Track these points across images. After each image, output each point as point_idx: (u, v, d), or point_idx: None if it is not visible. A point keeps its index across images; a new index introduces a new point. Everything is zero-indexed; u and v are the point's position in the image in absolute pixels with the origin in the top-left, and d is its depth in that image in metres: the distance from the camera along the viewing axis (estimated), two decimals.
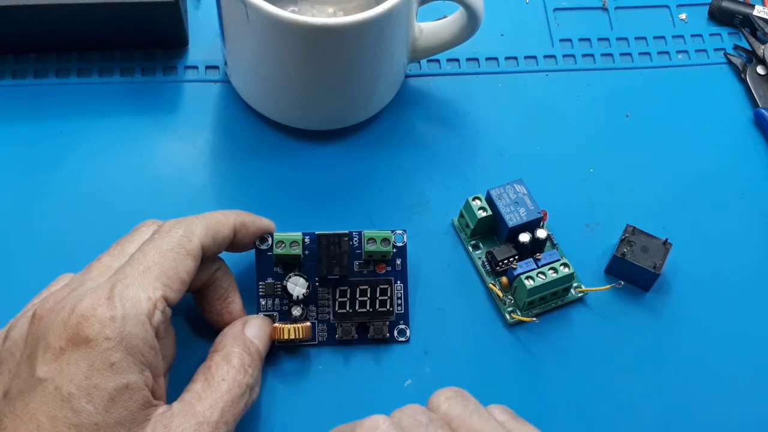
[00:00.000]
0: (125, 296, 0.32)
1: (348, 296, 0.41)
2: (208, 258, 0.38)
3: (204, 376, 0.35)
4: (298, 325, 0.40)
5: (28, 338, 0.32)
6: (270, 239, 0.41)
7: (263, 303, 0.41)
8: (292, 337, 0.40)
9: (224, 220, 0.38)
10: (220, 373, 0.35)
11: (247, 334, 0.38)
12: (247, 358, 0.37)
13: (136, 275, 0.33)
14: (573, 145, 0.50)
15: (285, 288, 0.41)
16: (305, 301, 0.41)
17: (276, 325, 0.40)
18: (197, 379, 0.35)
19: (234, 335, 0.38)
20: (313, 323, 0.42)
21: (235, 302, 0.40)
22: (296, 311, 0.41)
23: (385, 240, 0.41)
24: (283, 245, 0.41)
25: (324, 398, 0.41)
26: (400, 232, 0.42)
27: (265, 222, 0.41)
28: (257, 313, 0.41)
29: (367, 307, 0.41)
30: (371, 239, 0.41)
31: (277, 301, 0.42)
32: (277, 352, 0.42)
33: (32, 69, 0.50)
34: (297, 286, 0.40)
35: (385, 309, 0.41)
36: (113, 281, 0.33)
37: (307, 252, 0.42)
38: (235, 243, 0.39)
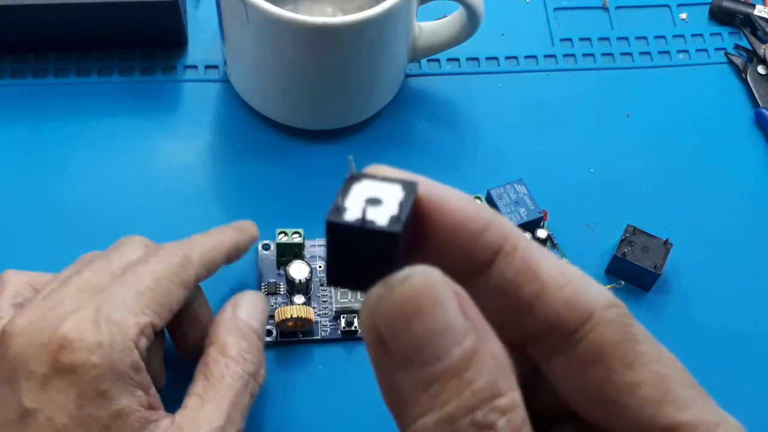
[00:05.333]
0: (112, 320, 0.30)
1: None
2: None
3: (203, 374, 0.34)
4: (300, 306, 0.40)
5: (4, 357, 0.30)
6: (272, 246, 0.42)
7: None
8: (295, 315, 0.40)
9: (219, 247, 0.37)
10: (219, 368, 0.34)
11: (240, 317, 0.36)
12: (243, 345, 0.35)
13: (126, 298, 0.31)
14: (573, 145, 0.50)
15: (287, 274, 0.41)
16: (305, 291, 0.41)
17: (278, 309, 0.40)
18: (197, 378, 0.34)
19: (226, 322, 0.36)
20: (315, 321, 0.42)
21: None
22: (299, 300, 0.41)
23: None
24: (285, 236, 0.42)
25: (325, 395, 0.41)
26: None
27: (252, 234, 0.40)
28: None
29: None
30: None
31: (279, 299, 0.42)
32: (278, 349, 0.42)
33: (31, 69, 0.49)
34: (299, 272, 0.41)
35: None
36: (99, 302, 0.31)
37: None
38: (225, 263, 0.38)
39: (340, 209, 0.18)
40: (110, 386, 0.30)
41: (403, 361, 0.17)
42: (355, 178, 0.19)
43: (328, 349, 0.42)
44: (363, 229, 0.17)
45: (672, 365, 0.20)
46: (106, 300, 0.31)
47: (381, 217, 0.17)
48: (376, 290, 0.17)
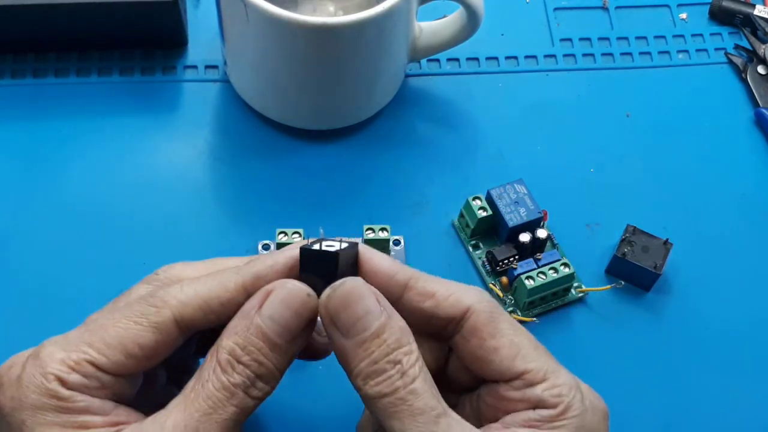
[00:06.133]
0: (38, 356, 0.30)
1: None
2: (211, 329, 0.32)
3: (199, 370, 0.31)
4: None
5: None
6: (272, 246, 0.42)
7: None
8: None
9: (226, 282, 0.31)
10: (207, 371, 0.30)
11: (262, 314, 0.30)
12: (239, 352, 0.30)
13: (70, 335, 0.31)
14: (573, 145, 0.50)
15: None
16: None
17: None
18: (195, 374, 0.31)
19: (243, 315, 0.30)
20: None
21: None
22: None
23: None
24: (285, 236, 0.42)
25: (325, 395, 0.41)
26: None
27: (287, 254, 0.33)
28: None
29: None
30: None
31: None
32: None
33: (31, 68, 0.49)
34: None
35: None
36: (48, 341, 0.31)
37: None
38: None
39: (309, 245, 0.31)
40: (28, 417, 0.30)
41: (345, 331, 0.30)
42: (322, 239, 0.31)
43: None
44: (319, 251, 0.30)
45: (523, 335, 0.31)
46: (52, 340, 0.31)
47: (329, 249, 0.30)
48: (327, 291, 0.30)
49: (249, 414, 0.30)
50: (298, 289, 0.30)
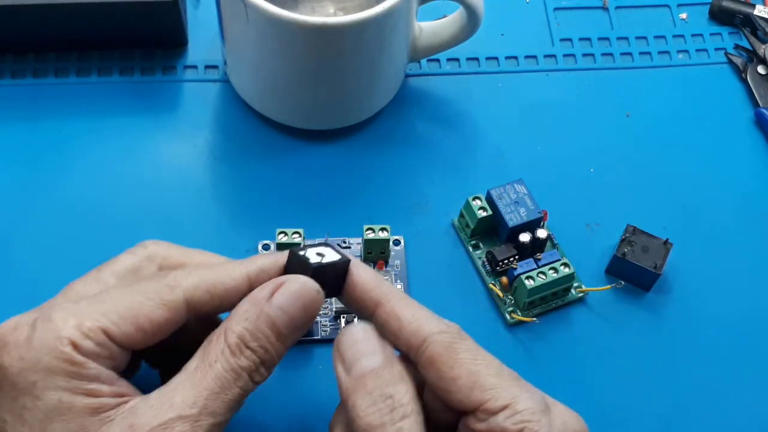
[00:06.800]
0: (50, 320, 0.31)
1: None
2: (207, 315, 0.34)
3: (203, 350, 0.32)
4: None
5: None
6: (272, 246, 0.42)
7: None
8: None
9: (225, 274, 0.33)
10: (215, 352, 0.31)
11: (272, 304, 0.32)
12: (248, 337, 0.31)
13: (82, 303, 0.32)
14: (573, 145, 0.50)
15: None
16: None
17: None
18: (197, 353, 0.32)
19: (253, 302, 0.32)
20: (315, 322, 0.42)
21: None
22: None
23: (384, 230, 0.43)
24: (285, 236, 0.42)
25: (325, 395, 0.41)
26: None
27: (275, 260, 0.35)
28: None
29: None
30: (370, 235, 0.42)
31: None
32: None
33: (31, 68, 0.49)
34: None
35: None
36: (51, 307, 0.32)
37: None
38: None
39: (301, 249, 0.33)
40: (40, 378, 0.30)
41: (348, 367, 0.32)
42: (319, 244, 0.34)
43: (328, 349, 0.42)
44: (302, 258, 0.32)
45: (483, 363, 0.31)
46: (61, 305, 0.32)
47: (312, 259, 0.33)
48: (339, 336, 0.33)
49: (247, 396, 0.32)
50: (310, 284, 0.32)
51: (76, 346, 0.30)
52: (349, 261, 0.33)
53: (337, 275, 0.34)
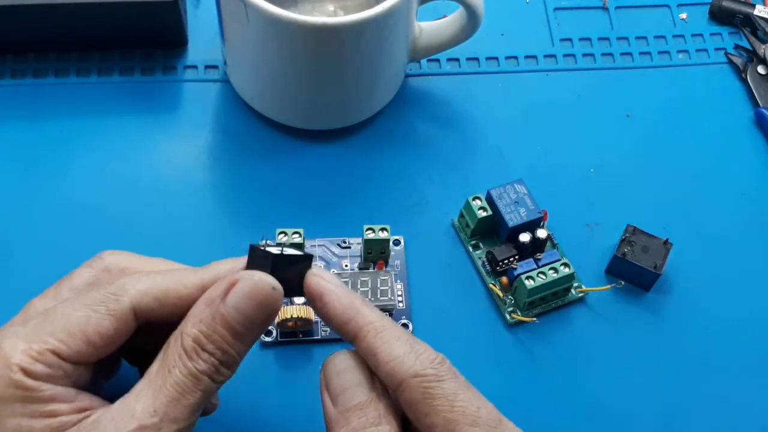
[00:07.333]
0: (1, 347, 0.30)
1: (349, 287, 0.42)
2: (160, 322, 0.32)
3: (163, 353, 0.31)
4: (301, 306, 0.40)
5: None
6: (264, 240, 0.42)
7: None
8: (295, 315, 0.40)
9: (184, 278, 0.32)
10: (172, 356, 0.30)
11: (227, 303, 0.30)
12: (203, 340, 0.30)
13: (30, 325, 0.31)
14: (573, 145, 0.50)
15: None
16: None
17: None
18: (157, 357, 0.31)
19: (207, 303, 0.31)
20: (315, 322, 0.42)
21: None
22: (299, 300, 0.40)
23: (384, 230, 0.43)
24: (285, 236, 0.42)
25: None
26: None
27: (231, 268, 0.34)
28: None
29: (368, 297, 0.42)
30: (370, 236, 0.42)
31: None
32: (278, 349, 0.42)
33: (31, 69, 0.50)
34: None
35: (386, 298, 0.42)
36: (3, 330, 0.31)
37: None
38: None
39: (262, 245, 0.32)
40: None
41: (333, 398, 0.32)
42: (282, 244, 0.35)
43: (328, 349, 0.42)
44: (262, 250, 0.31)
45: (459, 409, 0.30)
46: (9, 330, 0.32)
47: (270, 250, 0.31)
48: (326, 361, 0.32)
49: (211, 396, 0.31)
50: (264, 282, 0.31)
51: (26, 372, 0.30)
52: (311, 257, 0.33)
53: (300, 272, 0.32)
